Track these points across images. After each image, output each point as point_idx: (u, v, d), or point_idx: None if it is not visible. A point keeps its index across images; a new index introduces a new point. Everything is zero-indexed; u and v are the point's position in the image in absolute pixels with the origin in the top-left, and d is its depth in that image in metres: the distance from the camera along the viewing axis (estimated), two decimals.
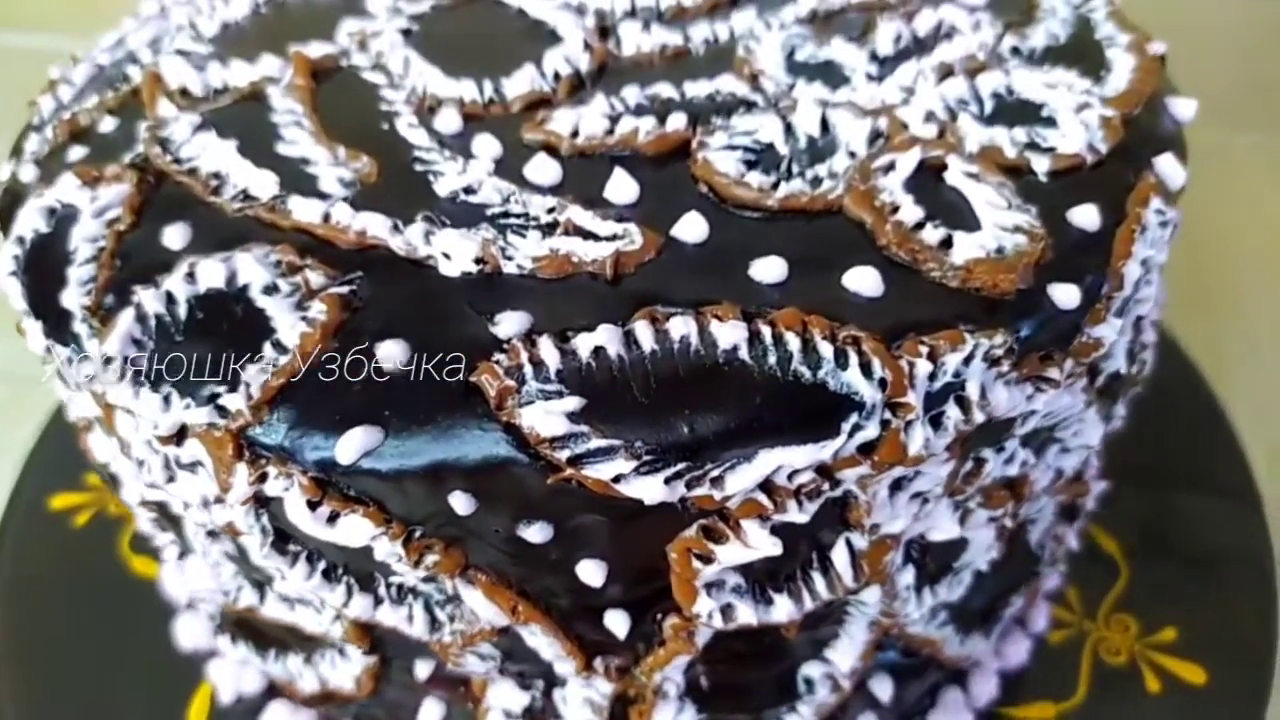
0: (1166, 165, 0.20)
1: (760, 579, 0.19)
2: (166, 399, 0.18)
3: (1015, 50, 0.23)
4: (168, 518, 0.22)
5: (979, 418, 0.17)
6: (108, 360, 0.18)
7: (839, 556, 0.18)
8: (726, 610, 0.19)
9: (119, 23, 0.28)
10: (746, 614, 0.19)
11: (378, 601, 0.20)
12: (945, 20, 0.23)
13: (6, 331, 0.21)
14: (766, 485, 0.17)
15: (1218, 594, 0.30)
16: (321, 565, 0.20)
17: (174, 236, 0.20)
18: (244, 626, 0.25)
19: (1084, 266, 0.19)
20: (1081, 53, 0.23)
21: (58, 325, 0.19)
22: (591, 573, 0.18)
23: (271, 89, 0.23)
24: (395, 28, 0.24)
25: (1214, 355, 0.38)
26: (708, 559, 0.18)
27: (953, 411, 0.17)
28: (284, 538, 0.19)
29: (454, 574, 0.18)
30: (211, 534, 0.21)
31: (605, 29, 0.24)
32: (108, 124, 0.23)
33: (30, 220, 0.21)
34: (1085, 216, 0.19)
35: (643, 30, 0.23)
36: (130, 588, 0.32)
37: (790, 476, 0.17)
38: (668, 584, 0.18)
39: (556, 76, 0.22)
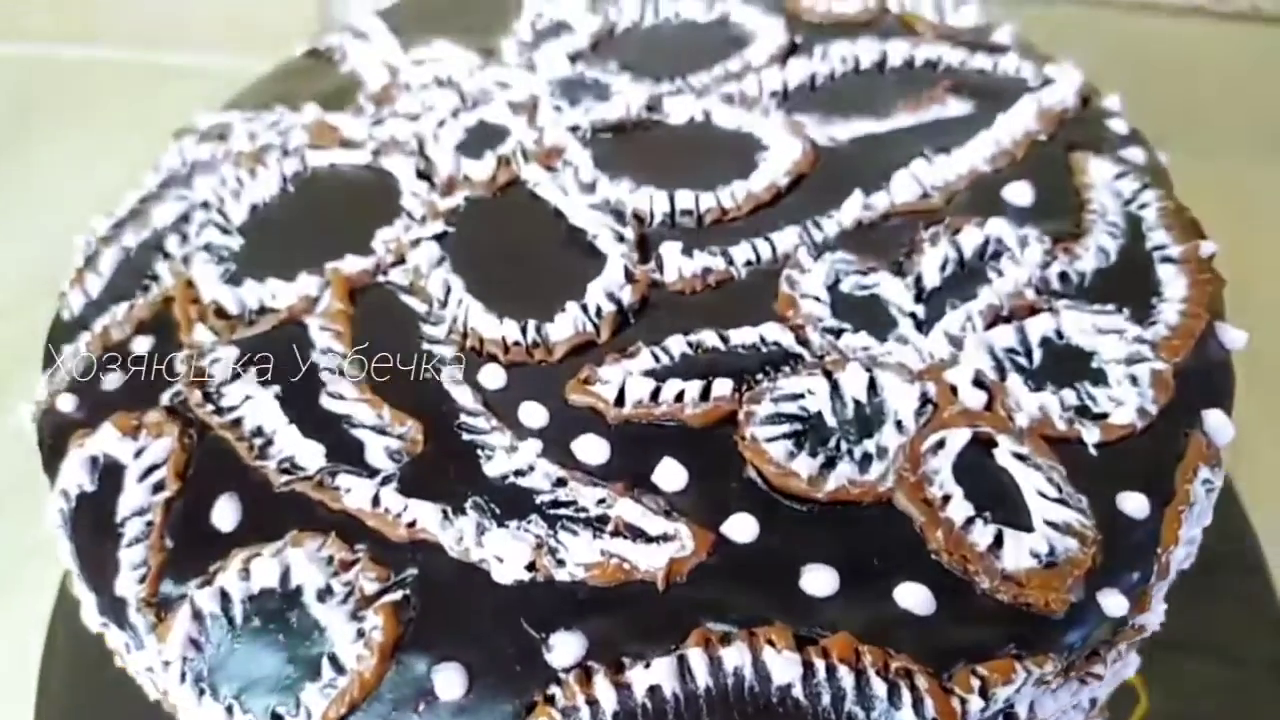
0: (1216, 423, 0.20)
1: None
2: (229, 709, 0.18)
3: (1064, 277, 0.22)
4: None
5: None
6: (167, 662, 0.19)
7: None
8: None
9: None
10: None
11: None
12: (992, 237, 0.23)
13: None
14: None
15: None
16: None
17: (223, 516, 0.20)
18: None
19: (1133, 564, 0.19)
20: (1133, 275, 0.22)
21: (114, 608, 0.20)
22: None
23: (310, 319, 0.22)
24: (431, 234, 0.24)
25: None
26: None
27: None
28: None
29: None
30: None
31: (644, 237, 0.24)
32: (141, 344, 0.23)
33: (74, 475, 0.21)
34: (1134, 504, 0.19)
35: (684, 254, 0.23)
36: None
37: None
38: None
39: (599, 312, 0.22)
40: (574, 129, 0.26)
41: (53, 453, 0.22)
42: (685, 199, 0.24)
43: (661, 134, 0.26)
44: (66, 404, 0.23)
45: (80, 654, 0.34)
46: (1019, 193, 0.24)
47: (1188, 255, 0.23)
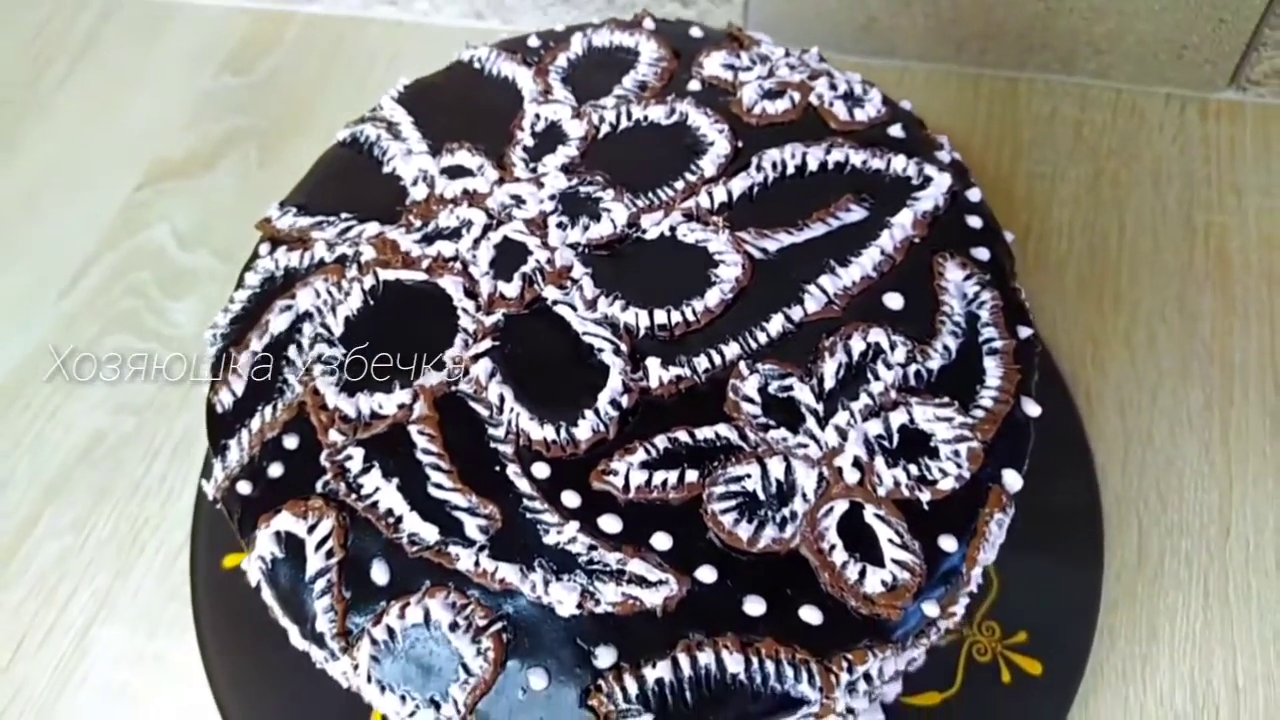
0: (1010, 479, 0.32)
1: None
2: (402, 699, 0.30)
3: (918, 375, 0.33)
4: None
5: (878, 684, 0.30)
6: (357, 667, 0.30)
7: None
8: None
9: None
10: None
11: None
12: (872, 344, 0.33)
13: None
14: None
15: (1058, 604, 0.44)
16: None
17: (379, 574, 0.31)
18: None
19: (945, 582, 0.30)
20: (966, 367, 0.33)
21: (314, 638, 0.31)
22: None
23: (411, 426, 0.33)
24: (484, 350, 0.34)
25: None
26: None
27: (861, 685, 0.30)
28: None
29: None
30: None
31: (634, 348, 0.34)
32: (291, 441, 0.33)
33: (267, 546, 0.32)
34: (948, 543, 0.30)
35: (662, 367, 0.33)
36: None
37: None
38: None
39: (608, 417, 0.32)
40: (575, 246, 0.36)
41: (243, 525, 0.33)
42: (661, 316, 0.34)
43: (641, 249, 0.36)
44: (244, 488, 0.33)
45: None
46: (894, 300, 0.34)
47: (1007, 348, 0.33)
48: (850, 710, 0.30)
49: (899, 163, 0.37)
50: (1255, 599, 0.46)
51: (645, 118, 0.39)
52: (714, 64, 0.40)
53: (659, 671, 0.29)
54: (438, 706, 0.30)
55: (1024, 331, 0.34)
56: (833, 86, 0.39)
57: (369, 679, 0.30)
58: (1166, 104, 0.62)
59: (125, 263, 0.58)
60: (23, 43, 0.68)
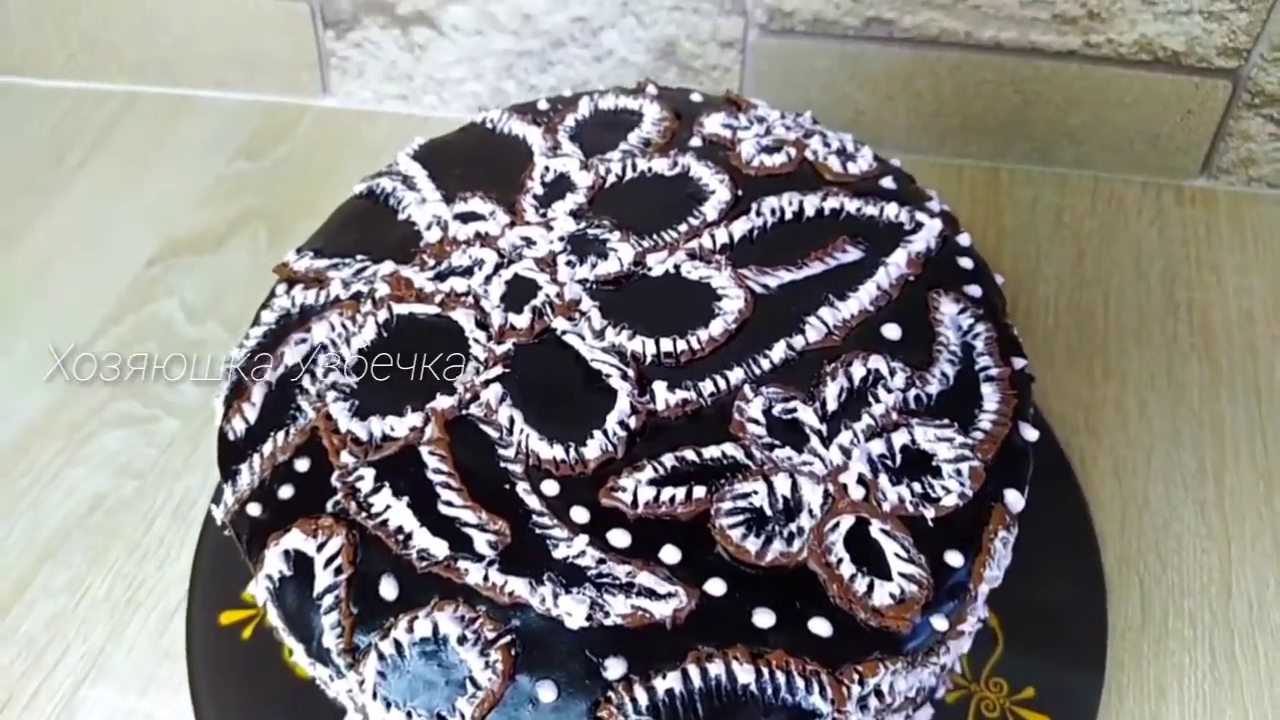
0: (1012, 498, 0.32)
1: None
2: (409, 715, 0.30)
3: (918, 399, 0.34)
4: None
5: (889, 700, 0.30)
6: (362, 683, 0.30)
7: None
8: None
9: None
10: None
11: None
12: (872, 370, 0.34)
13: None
14: None
15: (1064, 661, 0.44)
16: None
17: (388, 589, 0.31)
18: None
19: (953, 596, 0.31)
20: (964, 392, 0.34)
21: (320, 654, 0.31)
22: None
23: (422, 447, 0.33)
24: (494, 377, 0.34)
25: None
26: None
27: (873, 702, 0.30)
28: None
29: None
30: None
31: (641, 374, 0.34)
32: (302, 464, 0.34)
33: (275, 564, 0.32)
34: (954, 558, 0.31)
35: (668, 390, 0.34)
36: (302, 688, 0.44)
37: None
38: None
39: (616, 437, 0.33)
40: (583, 282, 0.37)
41: (251, 545, 0.33)
42: (667, 344, 0.35)
43: (647, 285, 0.37)
44: (254, 510, 0.33)
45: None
46: (892, 330, 0.35)
47: (1003, 375, 0.35)
48: None
49: (891, 210, 0.39)
50: (1263, 659, 0.45)
51: (650, 169, 0.41)
52: (714, 123, 0.42)
53: (669, 682, 0.29)
54: None
55: (1019, 362, 0.35)
56: (826, 144, 0.41)
57: (375, 695, 0.30)
58: (1143, 191, 0.65)
59: (133, 334, 0.59)
60: (45, 132, 0.71)
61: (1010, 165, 0.66)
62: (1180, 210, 0.63)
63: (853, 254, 0.37)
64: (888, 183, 0.40)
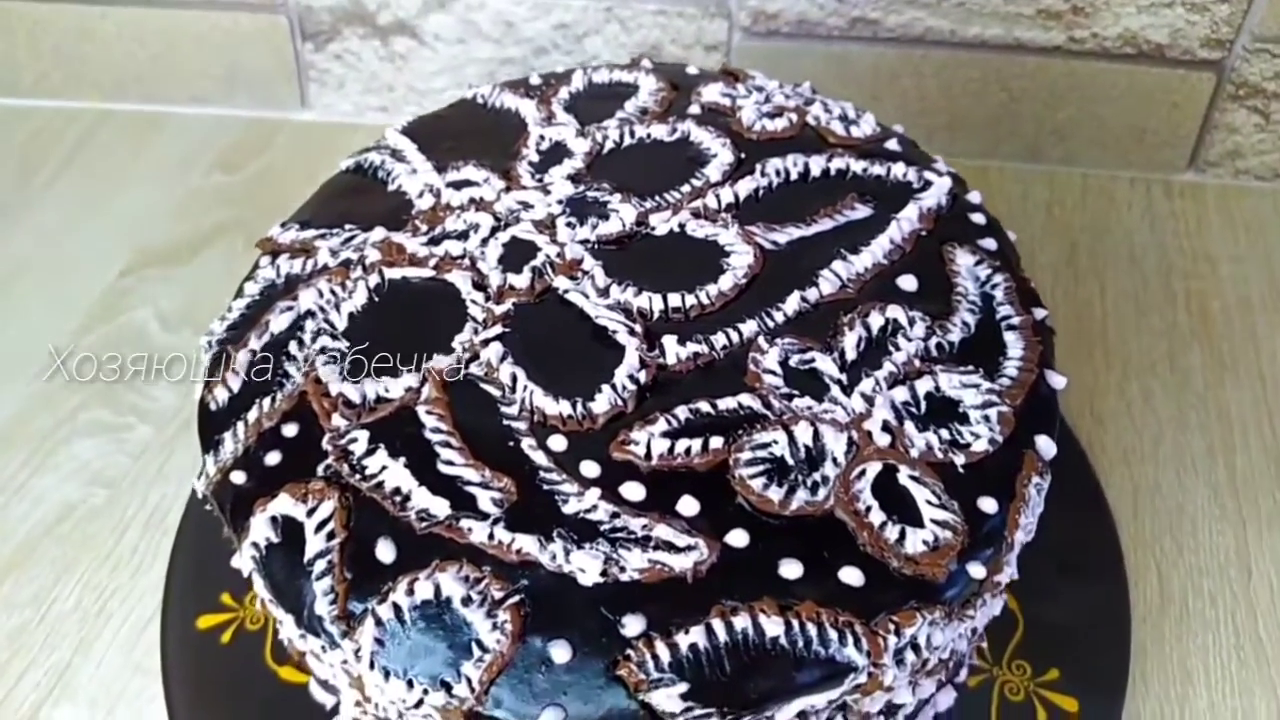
0: (1043, 444, 0.31)
1: None
2: (410, 684, 0.27)
3: (939, 346, 0.32)
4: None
5: (926, 655, 0.28)
6: (358, 652, 0.28)
7: None
8: None
9: None
10: None
11: None
12: (890, 319, 0.33)
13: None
14: (801, 714, 0.27)
15: (1086, 643, 0.42)
16: None
17: (385, 552, 0.29)
18: None
19: (989, 544, 0.29)
20: (987, 341, 0.33)
21: (311, 624, 0.28)
22: None
23: (419, 407, 0.31)
24: (494, 336, 0.33)
25: None
26: None
27: (909, 656, 0.28)
28: None
29: None
30: None
31: (649, 330, 0.33)
32: (290, 429, 0.32)
33: (262, 531, 0.30)
34: (989, 504, 0.29)
35: (679, 344, 0.32)
36: (284, 692, 0.41)
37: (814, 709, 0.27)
38: None
39: (625, 391, 0.31)
40: (584, 242, 0.35)
41: (235, 514, 0.31)
42: (675, 300, 0.33)
43: (651, 244, 0.35)
44: (239, 478, 0.31)
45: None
46: (908, 282, 0.34)
47: (1025, 324, 0.33)
48: (895, 680, 0.28)
49: (899, 169, 0.38)
50: None
51: (648, 135, 0.39)
52: (712, 92, 0.41)
53: (692, 638, 0.27)
54: (449, 688, 0.27)
55: (1039, 312, 0.34)
56: (828, 110, 0.40)
57: (372, 665, 0.28)
58: (1132, 186, 0.64)
59: (103, 343, 0.57)
60: (12, 149, 0.69)
61: (998, 163, 0.66)
62: (1170, 204, 0.63)
63: (862, 211, 0.36)
64: (893, 145, 0.39)
